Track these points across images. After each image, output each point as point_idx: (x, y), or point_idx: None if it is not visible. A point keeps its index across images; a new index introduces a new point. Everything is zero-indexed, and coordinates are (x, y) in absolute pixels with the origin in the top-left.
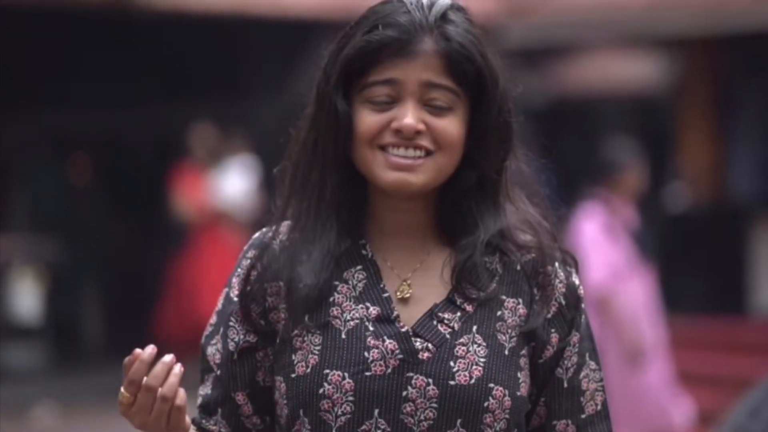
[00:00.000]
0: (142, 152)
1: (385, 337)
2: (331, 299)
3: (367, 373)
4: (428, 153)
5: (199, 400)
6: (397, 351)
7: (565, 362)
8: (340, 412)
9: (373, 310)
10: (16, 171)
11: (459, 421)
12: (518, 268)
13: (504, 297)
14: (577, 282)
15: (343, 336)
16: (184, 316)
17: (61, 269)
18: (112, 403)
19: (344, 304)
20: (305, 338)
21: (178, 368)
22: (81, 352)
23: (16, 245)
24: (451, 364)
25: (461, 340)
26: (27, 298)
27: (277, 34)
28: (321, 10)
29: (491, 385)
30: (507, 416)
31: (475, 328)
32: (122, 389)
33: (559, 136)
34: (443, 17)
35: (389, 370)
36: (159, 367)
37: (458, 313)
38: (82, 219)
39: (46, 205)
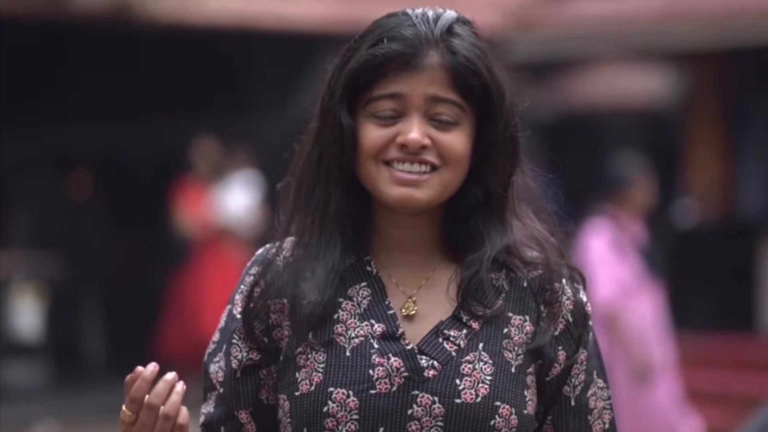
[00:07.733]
0: (144, 168)
1: (390, 355)
2: (336, 316)
3: (372, 391)
4: (434, 168)
5: (202, 419)
6: (403, 369)
7: (573, 380)
8: (344, 431)
9: (378, 328)
10: (17, 187)
11: None
12: (525, 284)
13: (510, 314)
14: (584, 299)
15: (348, 354)
16: (186, 333)
17: (61, 286)
18: (113, 422)
19: (349, 322)
20: (309, 356)
21: (180, 386)
22: (82, 370)
23: (17, 262)
24: (457, 382)
25: (467, 357)
26: (27, 316)
27: (281, 48)
28: (325, 23)
29: (498, 403)
30: None
31: (481, 345)
32: (124, 407)
33: (566, 150)
34: (449, 31)
35: (394, 388)
36: (161, 385)
37: (464, 331)
38: (83, 235)
39: (47, 221)
